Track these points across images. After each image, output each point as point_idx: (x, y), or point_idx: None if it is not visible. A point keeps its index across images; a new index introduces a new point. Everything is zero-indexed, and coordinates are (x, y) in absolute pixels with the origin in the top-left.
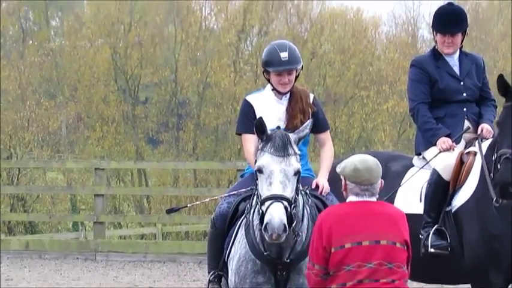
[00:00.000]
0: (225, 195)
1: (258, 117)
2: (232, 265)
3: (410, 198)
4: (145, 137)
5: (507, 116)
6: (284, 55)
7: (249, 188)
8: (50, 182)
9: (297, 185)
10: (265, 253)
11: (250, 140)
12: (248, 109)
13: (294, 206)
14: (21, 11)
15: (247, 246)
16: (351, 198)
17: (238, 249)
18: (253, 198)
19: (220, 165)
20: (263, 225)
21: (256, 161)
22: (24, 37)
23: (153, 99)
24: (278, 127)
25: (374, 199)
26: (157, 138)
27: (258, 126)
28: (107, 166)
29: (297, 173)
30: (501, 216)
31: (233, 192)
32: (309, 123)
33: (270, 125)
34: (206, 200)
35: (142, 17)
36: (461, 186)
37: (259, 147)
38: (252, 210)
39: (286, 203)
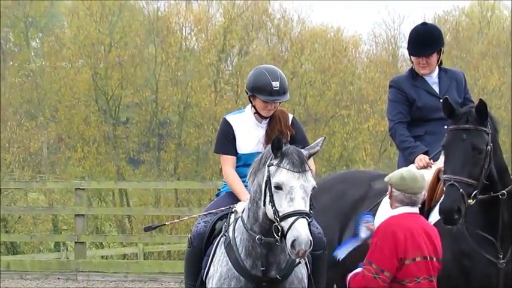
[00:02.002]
0: (202, 213)
1: (237, 138)
2: (212, 283)
3: (389, 215)
4: (126, 157)
5: (452, 140)
6: (276, 84)
7: (227, 207)
8: (32, 202)
9: (310, 202)
10: (261, 269)
11: (229, 162)
12: (227, 130)
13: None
14: (1, 31)
15: (230, 264)
16: (400, 208)
17: (219, 268)
18: (230, 217)
19: (201, 184)
20: (289, 242)
21: (268, 176)
22: (4, 58)
23: (134, 119)
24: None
25: (416, 209)
26: (138, 159)
27: (275, 143)
28: (87, 186)
29: (313, 189)
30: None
31: (211, 211)
32: (320, 141)
33: (249, 148)
34: (185, 218)
35: (122, 38)
36: (437, 203)
37: (274, 164)
38: (231, 227)
39: (308, 219)
